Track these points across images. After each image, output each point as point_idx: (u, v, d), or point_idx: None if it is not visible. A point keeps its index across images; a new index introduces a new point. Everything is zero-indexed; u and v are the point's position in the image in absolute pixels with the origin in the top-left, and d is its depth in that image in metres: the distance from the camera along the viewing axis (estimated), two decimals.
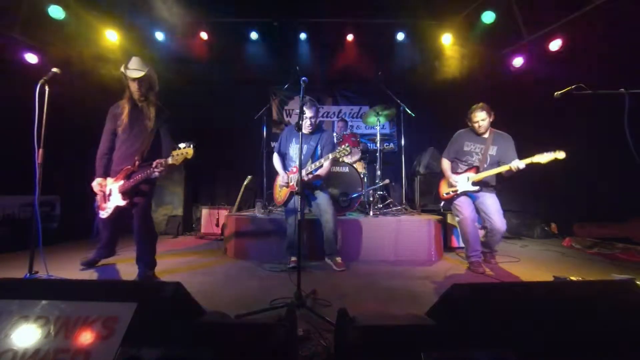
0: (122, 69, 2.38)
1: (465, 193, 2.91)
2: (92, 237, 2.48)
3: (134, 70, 2.36)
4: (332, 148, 2.89)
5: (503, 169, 2.72)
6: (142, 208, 2.47)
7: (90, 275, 2.66)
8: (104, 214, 2.45)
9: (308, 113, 2.83)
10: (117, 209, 2.41)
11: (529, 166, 2.74)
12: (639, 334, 0.93)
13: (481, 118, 2.85)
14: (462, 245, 3.72)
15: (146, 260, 2.49)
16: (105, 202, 2.43)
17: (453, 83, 5.43)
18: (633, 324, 0.96)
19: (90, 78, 4.00)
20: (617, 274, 2.66)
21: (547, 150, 2.55)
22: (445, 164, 3.09)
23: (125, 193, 2.37)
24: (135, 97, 2.43)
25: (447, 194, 3.02)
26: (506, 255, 3.33)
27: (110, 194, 2.41)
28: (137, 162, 2.37)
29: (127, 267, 2.89)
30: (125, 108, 2.43)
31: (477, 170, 2.86)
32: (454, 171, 3.02)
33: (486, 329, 0.93)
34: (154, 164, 2.25)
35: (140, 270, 2.48)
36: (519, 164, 2.62)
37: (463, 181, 2.89)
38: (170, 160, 2.21)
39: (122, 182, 2.38)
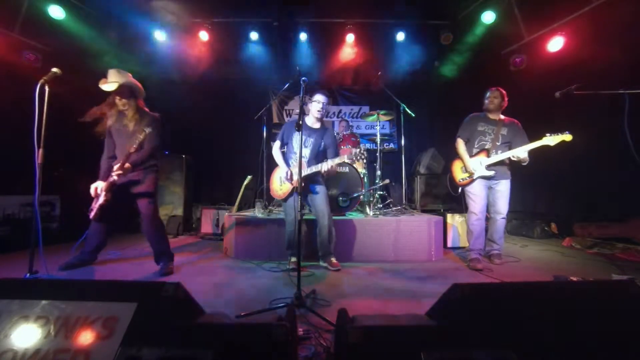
0: (99, 85, 2.51)
1: (481, 178, 2.93)
2: (77, 242, 2.56)
3: (110, 83, 2.50)
4: (335, 151, 2.90)
5: (511, 154, 2.80)
6: (147, 208, 2.61)
7: (91, 275, 2.66)
8: (91, 215, 2.54)
9: (321, 98, 2.84)
10: (101, 207, 2.46)
11: (534, 159, 2.80)
12: (639, 334, 0.93)
13: (494, 96, 2.99)
14: (462, 245, 3.75)
15: (165, 256, 2.70)
16: (95, 204, 2.52)
17: (453, 83, 5.43)
18: (633, 324, 0.96)
19: (90, 77, 4.00)
20: (617, 274, 2.66)
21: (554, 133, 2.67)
22: (462, 145, 3.06)
23: (107, 191, 2.46)
24: (119, 106, 2.60)
25: (462, 179, 3.02)
26: (506, 255, 3.33)
27: (100, 194, 2.50)
28: (121, 162, 2.45)
29: (126, 267, 2.90)
30: (112, 116, 2.62)
31: (488, 153, 2.91)
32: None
33: (486, 329, 0.93)
34: (113, 168, 2.40)
35: (162, 265, 2.68)
36: (524, 153, 2.76)
37: (477, 165, 2.92)
38: (130, 151, 2.39)
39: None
